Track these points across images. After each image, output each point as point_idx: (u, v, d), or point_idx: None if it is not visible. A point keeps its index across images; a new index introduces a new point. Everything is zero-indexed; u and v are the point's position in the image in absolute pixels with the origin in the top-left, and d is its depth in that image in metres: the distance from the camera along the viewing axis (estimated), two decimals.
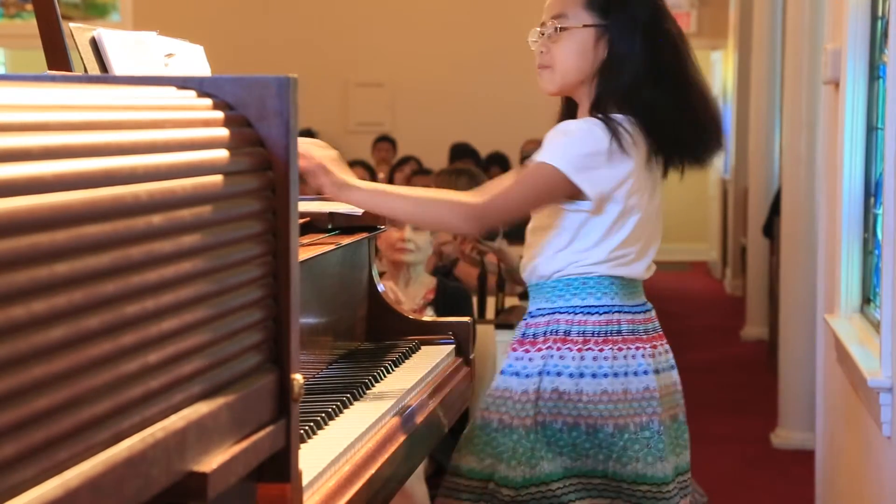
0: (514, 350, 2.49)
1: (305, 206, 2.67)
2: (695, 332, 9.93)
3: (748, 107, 10.57)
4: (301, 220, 2.50)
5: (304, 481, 1.66)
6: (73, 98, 1.27)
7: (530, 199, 2.44)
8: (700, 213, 14.77)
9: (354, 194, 2.33)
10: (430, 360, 2.64)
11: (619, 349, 2.43)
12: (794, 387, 6.46)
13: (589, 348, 2.42)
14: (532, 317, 2.49)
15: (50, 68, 2.28)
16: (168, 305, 1.30)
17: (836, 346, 4.10)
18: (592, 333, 2.43)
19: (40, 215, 1.07)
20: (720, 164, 13.22)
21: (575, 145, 2.40)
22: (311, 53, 12.60)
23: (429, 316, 3.59)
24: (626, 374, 2.42)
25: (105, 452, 1.16)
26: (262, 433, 1.47)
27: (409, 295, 3.95)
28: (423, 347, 2.77)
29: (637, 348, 2.44)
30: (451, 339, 2.80)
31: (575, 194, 2.40)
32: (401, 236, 3.82)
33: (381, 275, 3.80)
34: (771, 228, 8.71)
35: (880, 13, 4.03)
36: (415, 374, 2.50)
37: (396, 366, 2.57)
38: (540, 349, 2.44)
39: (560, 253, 2.45)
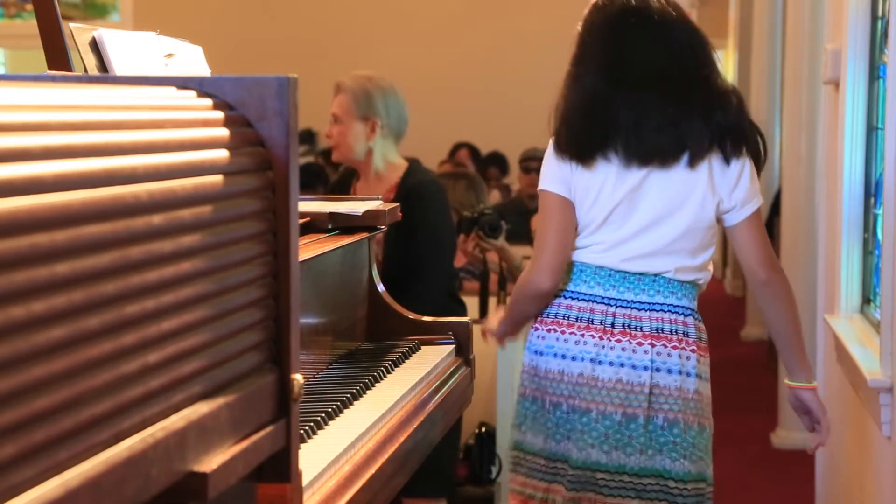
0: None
1: (305, 206, 2.67)
2: None
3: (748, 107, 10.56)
4: (301, 220, 2.50)
5: (304, 481, 1.66)
6: (73, 98, 1.27)
7: (548, 227, 2.71)
8: None
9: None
10: (430, 360, 2.64)
11: (562, 332, 2.69)
12: None
13: (535, 328, 2.75)
14: None
15: (50, 68, 2.28)
16: (168, 305, 1.30)
17: (836, 346, 4.10)
18: (546, 315, 2.73)
19: (40, 215, 1.07)
20: None
21: (544, 162, 2.76)
22: (311, 53, 12.59)
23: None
24: (563, 356, 2.66)
25: (105, 452, 1.16)
26: (262, 433, 1.47)
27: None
28: (423, 347, 2.77)
29: (582, 335, 2.67)
30: (451, 339, 2.79)
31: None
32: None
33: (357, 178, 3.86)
34: (771, 228, 8.71)
35: (880, 13, 4.03)
36: (415, 374, 2.50)
37: (396, 366, 2.57)
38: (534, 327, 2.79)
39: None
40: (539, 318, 2.75)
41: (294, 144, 1.55)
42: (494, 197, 8.15)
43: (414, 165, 4.02)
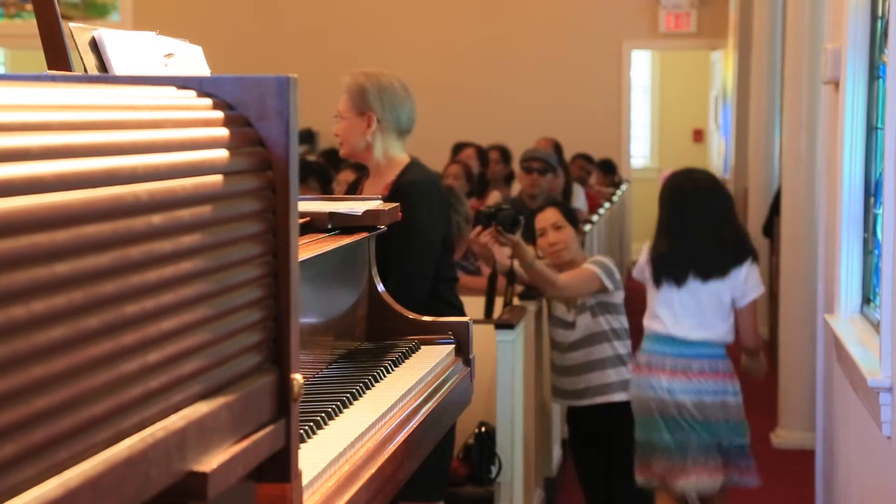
0: None
1: (305, 206, 2.67)
2: None
3: (748, 107, 10.56)
4: (301, 220, 2.50)
5: (304, 481, 1.66)
6: (73, 98, 1.27)
7: None
8: None
9: None
10: (429, 360, 2.64)
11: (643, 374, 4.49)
12: (794, 387, 6.47)
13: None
14: None
15: (50, 68, 2.28)
16: (168, 305, 1.30)
17: (836, 347, 4.10)
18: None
19: (40, 215, 1.07)
20: (720, 164, 13.22)
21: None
22: (312, 53, 12.60)
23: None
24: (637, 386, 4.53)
25: (105, 452, 1.16)
26: (262, 433, 1.47)
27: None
28: (422, 347, 2.77)
29: (657, 376, 4.41)
30: (450, 338, 2.79)
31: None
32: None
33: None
34: (771, 228, 8.71)
35: (880, 13, 4.03)
36: (415, 374, 2.50)
37: (396, 366, 2.57)
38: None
39: None
40: (635, 366, 4.58)
41: (294, 144, 1.56)
42: (495, 197, 8.13)
43: (413, 163, 4.03)
